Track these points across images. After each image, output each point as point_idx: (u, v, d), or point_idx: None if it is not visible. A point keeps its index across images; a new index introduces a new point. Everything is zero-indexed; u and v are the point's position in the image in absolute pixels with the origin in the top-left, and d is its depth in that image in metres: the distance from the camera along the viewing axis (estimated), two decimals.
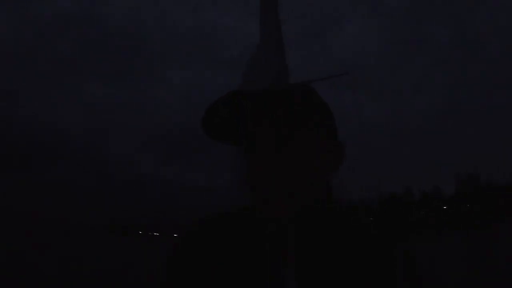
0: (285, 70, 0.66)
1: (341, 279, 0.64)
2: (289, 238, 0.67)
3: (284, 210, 0.65)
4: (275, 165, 0.65)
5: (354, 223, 0.73)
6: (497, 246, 21.83)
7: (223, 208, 0.78)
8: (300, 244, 0.67)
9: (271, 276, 0.64)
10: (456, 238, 39.67)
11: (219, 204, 0.80)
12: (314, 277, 0.64)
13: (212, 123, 0.69)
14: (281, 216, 0.66)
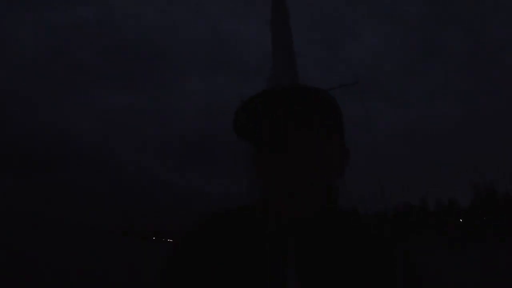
0: (295, 78, 0.82)
1: (342, 278, 0.64)
2: (289, 238, 0.67)
3: (285, 210, 0.66)
4: (276, 165, 0.66)
5: (354, 223, 0.73)
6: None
7: (223, 208, 0.79)
8: (300, 244, 0.67)
9: (272, 276, 0.64)
10: (470, 250, 39.06)
11: (219, 206, 0.80)
12: (315, 277, 0.64)
13: (239, 127, 0.74)
14: (282, 216, 0.66)
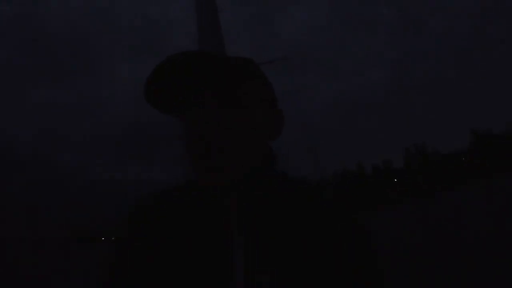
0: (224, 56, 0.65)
1: (289, 245, 0.62)
2: (232, 205, 0.66)
3: (227, 177, 0.63)
4: (218, 130, 0.63)
5: (300, 190, 0.71)
6: (442, 212, 21.14)
7: (160, 189, 0.77)
8: (244, 212, 0.66)
9: (218, 246, 0.63)
10: (406, 207, 40.29)
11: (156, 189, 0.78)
12: (262, 244, 0.62)
13: (155, 95, 0.67)
14: (224, 183, 0.63)
